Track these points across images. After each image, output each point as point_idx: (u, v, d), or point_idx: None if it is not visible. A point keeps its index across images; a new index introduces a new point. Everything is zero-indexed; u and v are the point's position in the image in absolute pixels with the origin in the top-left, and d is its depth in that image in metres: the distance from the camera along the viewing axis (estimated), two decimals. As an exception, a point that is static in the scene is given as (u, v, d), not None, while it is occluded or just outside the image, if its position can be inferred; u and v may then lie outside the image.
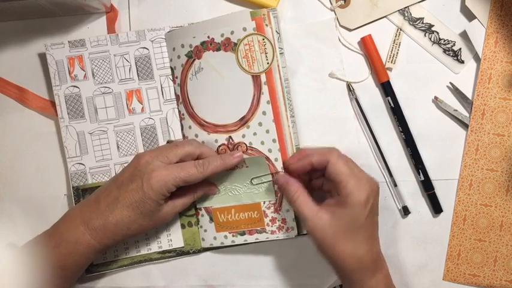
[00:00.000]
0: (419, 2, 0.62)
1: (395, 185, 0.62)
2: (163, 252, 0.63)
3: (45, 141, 0.63)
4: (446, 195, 0.62)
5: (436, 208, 0.62)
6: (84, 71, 0.61)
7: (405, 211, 0.62)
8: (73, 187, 0.62)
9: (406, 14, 0.62)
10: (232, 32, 0.59)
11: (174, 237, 0.62)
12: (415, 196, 0.63)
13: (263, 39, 0.58)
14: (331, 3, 0.62)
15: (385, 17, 0.62)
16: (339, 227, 0.53)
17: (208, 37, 0.59)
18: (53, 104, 0.62)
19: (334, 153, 0.54)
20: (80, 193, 0.61)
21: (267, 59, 0.58)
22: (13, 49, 0.63)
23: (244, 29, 0.58)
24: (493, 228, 0.62)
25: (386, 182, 0.63)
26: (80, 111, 0.62)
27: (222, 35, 0.59)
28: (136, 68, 0.62)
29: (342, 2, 0.62)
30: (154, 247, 0.62)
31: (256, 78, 0.59)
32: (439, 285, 0.63)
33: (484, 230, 0.62)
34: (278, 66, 0.58)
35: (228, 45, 0.59)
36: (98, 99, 0.62)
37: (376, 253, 0.55)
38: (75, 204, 0.61)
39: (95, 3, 0.60)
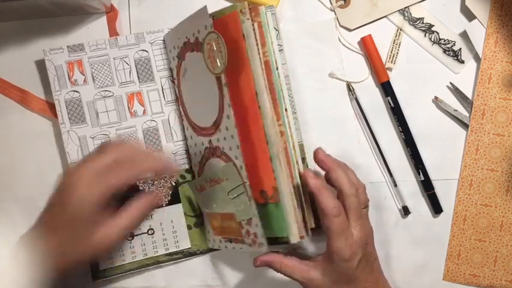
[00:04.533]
0: (419, 2, 0.62)
1: (396, 185, 0.62)
2: (171, 254, 0.62)
3: (45, 141, 0.63)
4: (446, 195, 0.62)
5: (436, 208, 0.62)
6: (83, 75, 0.61)
7: (405, 211, 0.62)
8: None
9: (406, 14, 0.62)
10: (198, 31, 0.55)
11: (180, 239, 0.62)
12: (415, 196, 0.63)
13: (217, 37, 0.52)
14: (331, 3, 0.62)
15: (385, 17, 0.62)
16: (331, 283, 0.54)
17: (186, 37, 0.57)
18: (54, 105, 0.62)
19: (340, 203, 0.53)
20: None
21: (222, 59, 0.53)
22: (13, 49, 0.63)
23: (206, 27, 0.53)
24: (493, 228, 0.62)
25: (386, 182, 0.63)
26: (81, 116, 0.61)
27: (193, 35, 0.56)
28: (137, 70, 0.62)
29: (342, 2, 0.62)
30: (161, 250, 0.62)
31: (218, 79, 0.54)
32: (439, 285, 0.63)
33: (484, 230, 0.62)
34: (259, 63, 0.53)
35: (198, 45, 0.55)
36: (99, 103, 0.62)
37: None
38: None
39: (95, 3, 0.60)
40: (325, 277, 0.55)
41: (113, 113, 0.62)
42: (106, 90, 0.62)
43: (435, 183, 0.62)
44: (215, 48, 0.53)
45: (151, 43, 0.62)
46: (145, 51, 0.62)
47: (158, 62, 0.62)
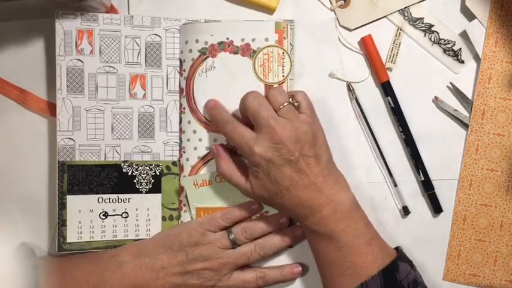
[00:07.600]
0: (419, 2, 0.62)
1: (396, 185, 0.62)
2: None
3: (45, 140, 0.63)
4: (446, 195, 0.62)
5: (436, 208, 0.62)
6: (91, 46, 0.61)
7: (405, 211, 0.62)
8: (59, 161, 0.60)
9: (406, 14, 0.62)
10: (253, 40, 0.60)
11: (152, 228, 0.62)
12: (415, 196, 0.63)
13: (283, 52, 0.60)
14: (331, 3, 0.62)
15: (385, 17, 0.62)
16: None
17: (228, 39, 0.60)
18: (53, 105, 0.62)
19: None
20: (65, 169, 0.60)
21: (283, 72, 0.60)
22: (13, 49, 0.63)
23: (266, 39, 0.60)
24: (493, 228, 0.62)
25: (386, 182, 0.63)
26: (80, 86, 0.61)
27: (243, 40, 0.60)
28: (146, 53, 0.61)
29: (342, 2, 0.62)
30: (131, 234, 0.62)
31: (268, 87, 0.60)
32: (439, 285, 0.63)
33: (484, 230, 0.62)
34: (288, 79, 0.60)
35: (247, 51, 0.60)
36: (101, 77, 0.61)
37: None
38: (58, 180, 0.61)
39: (95, 3, 0.60)
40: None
41: (112, 90, 0.61)
42: (111, 66, 0.61)
43: (435, 183, 0.62)
44: (276, 61, 0.60)
45: (166, 29, 0.61)
46: (159, 36, 0.61)
47: (169, 50, 0.61)
